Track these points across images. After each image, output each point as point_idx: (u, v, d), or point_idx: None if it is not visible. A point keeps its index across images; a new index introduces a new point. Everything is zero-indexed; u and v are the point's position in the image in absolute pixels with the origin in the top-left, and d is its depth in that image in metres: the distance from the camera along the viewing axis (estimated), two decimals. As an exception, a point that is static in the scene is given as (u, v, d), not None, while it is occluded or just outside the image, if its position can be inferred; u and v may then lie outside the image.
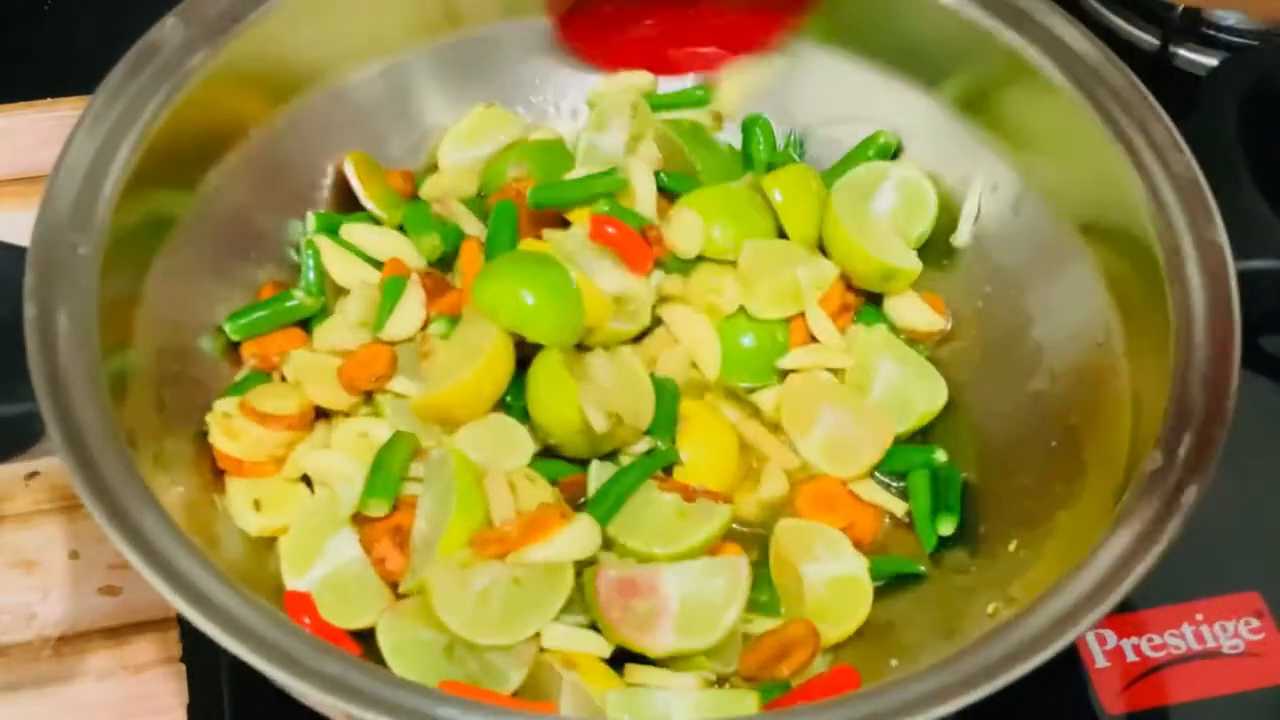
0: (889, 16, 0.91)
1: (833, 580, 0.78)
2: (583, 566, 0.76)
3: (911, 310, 0.90)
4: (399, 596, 0.76)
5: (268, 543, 0.79)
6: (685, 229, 0.87)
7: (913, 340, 0.89)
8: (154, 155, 0.79)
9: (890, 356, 0.87)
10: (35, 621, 0.83)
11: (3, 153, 1.03)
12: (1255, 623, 0.86)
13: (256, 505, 0.79)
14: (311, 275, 0.87)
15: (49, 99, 1.06)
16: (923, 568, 0.81)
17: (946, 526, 0.82)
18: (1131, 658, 0.85)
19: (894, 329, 0.89)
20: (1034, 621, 0.65)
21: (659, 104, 0.96)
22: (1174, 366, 0.74)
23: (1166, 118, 0.82)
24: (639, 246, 0.85)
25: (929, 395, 0.86)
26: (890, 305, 0.90)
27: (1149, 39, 1.10)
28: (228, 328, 0.84)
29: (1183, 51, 1.08)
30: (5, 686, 0.81)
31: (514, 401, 0.82)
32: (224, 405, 0.80)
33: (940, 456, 0.85)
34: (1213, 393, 0.73)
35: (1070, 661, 0.84)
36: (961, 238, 0.91)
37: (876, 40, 0.92)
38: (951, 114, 0.91)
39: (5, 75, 1.10)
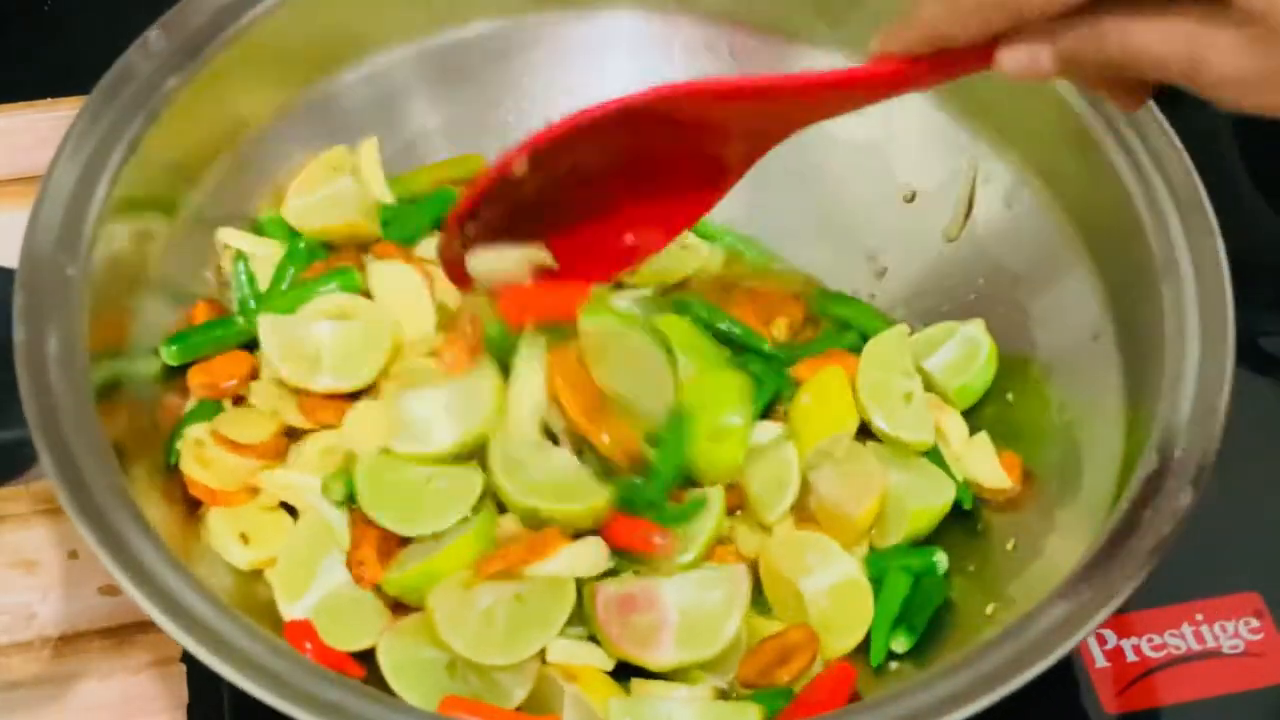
0: (881, 9, 0.90)
1: (831, 589, 0.77)
2: (582, 582, 0.75)
3: (982, 462, 0.83)
4: (395, 608, 0.76)
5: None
6: None
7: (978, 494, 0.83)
8: (139, 173, 0.78)
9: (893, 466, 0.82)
10: (35, 621, 0.83)
11: (3, 153, 1.03)
12: (1255, 623, 0.86)
13: (244, 539, 0.77)
14: (246, 289, 0.84)
15: (49, 99, 1.05)
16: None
17: (901, 644, 0.77)
18: (1131, 658, 0.85)
19: (949, 469, 0.83)
20: (1031, 631, 0.65)
21: None
22: (1168, 366, 0.74)
23: (1159, 111, 0.81)
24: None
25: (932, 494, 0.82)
26: (960, 449, 0.83)
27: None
28: (164, 352, 0.80)
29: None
30: (5, 686, 0.81)
31: None
32: (195, 432, 0.78)
33: (941, 563, 0.80)
34: (1208, 394, 0.72)
35: (1070, 661, 0.84)
36: (953, 231, 0.91)
37: (868, 34, 0.91)
38: (943, 106, 0.90)
39: (5, 75, 1.10)
